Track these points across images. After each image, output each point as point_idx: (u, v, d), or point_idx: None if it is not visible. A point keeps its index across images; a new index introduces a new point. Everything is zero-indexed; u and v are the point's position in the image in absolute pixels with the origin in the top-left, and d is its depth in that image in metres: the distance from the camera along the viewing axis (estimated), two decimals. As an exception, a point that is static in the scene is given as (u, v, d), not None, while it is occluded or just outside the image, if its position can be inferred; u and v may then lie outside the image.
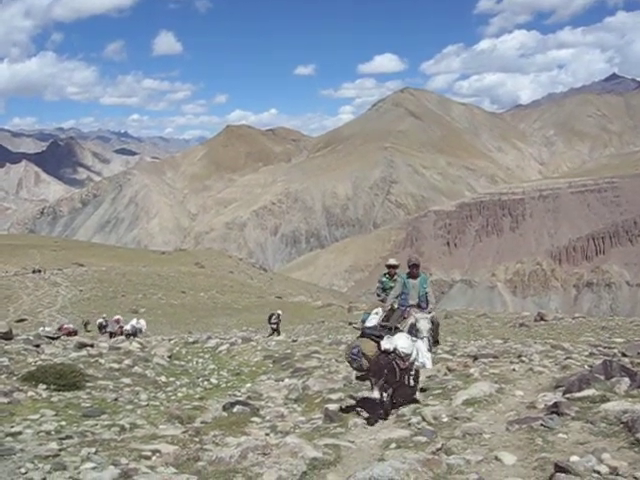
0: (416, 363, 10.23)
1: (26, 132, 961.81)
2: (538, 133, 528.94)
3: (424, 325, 10.66)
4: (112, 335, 32.36)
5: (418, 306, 11.50)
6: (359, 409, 10.29)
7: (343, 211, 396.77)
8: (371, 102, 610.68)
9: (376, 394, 9.56)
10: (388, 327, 10.67)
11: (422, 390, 11.01)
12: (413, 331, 10.83)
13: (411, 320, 10.89)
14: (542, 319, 30.69)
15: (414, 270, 11.85)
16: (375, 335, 10.23)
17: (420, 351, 10.26)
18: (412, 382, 10.77)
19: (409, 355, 9.98)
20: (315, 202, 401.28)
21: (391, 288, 12.87)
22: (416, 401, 10.42)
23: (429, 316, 10.98)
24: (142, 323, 34.17)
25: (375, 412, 9.77)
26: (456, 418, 8.73)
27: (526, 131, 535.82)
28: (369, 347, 9.98)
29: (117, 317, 37.05)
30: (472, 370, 12.76)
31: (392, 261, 14.04)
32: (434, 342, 11.85)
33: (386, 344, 9.85)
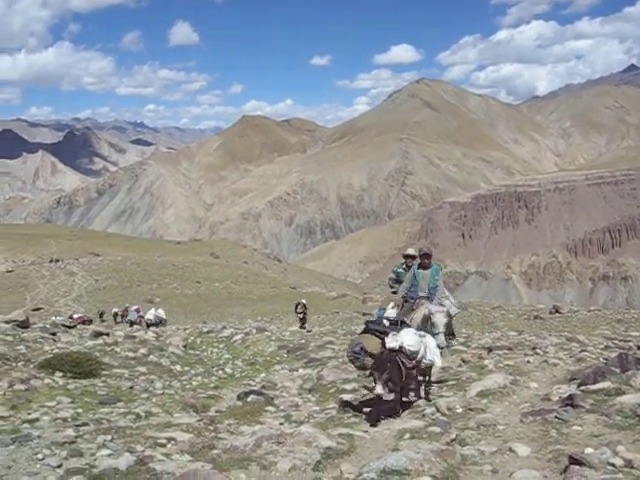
0: (424, 361, 9.57)
1: (43, 122, 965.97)
2: (555, 125, 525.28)
3: (440, 319, 10.18)
4: (132, 324, 32.51)
5: (428, 298, 11.11)
6: (367, 407, 9.68)
7: (358, 202, 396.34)
8: (387, 93, 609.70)
9: (379, 389, 8.72)
10: (394, 321, 10.24)
11: (437, 382, 10.98)
12: (427, 325, 10.39)
13: (424, 311, 10.49)
14: (557, 312, 30.61)
15: (425, 260, 11.44)
16: (379, 331, 9.59)
17: (428, 348, 9.67)
18: (420, 379, 10.23)
19: (416, 353, 9.36)
20: (330, 193, 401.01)
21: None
22: (428, 399, 9.84)
23: (445, 309, 10.52)
24: (161, 313, 34.35)
25: (383, 409, 9.18)
26: (470, 409, 8.73)
27: (543, 123, 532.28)
28: (373, 344, 9.31)
29: (137, 306, 37.25)
30: (486, 362, 12.74)
31: (410, 251, 13.37)
32: (450, 335, 11.45)
33: (391, 342, 9.15)
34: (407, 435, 7.83)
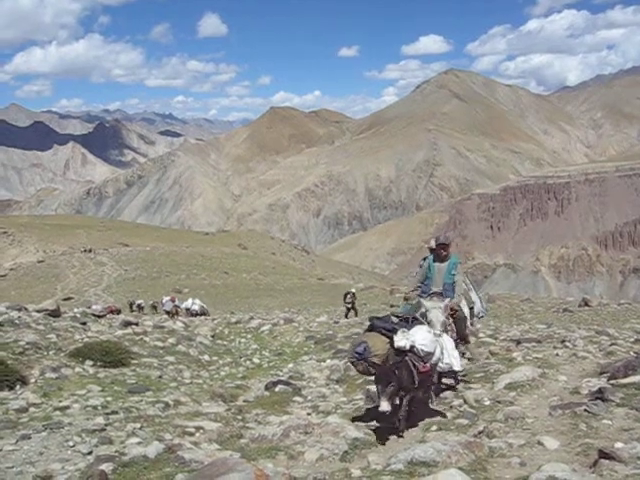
0: (440, 365, 8.32)
1: (73, 114, 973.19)
2: (585, 115, 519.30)
3: (436, 316, 8.90)
4: (168, 314, 32.68)
5: (441, 295, 9.80)
6: (369, 421, 8.42)
7: (386, 193, 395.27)
8: (415, 84, 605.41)
9: (384, 406, 7.48)
10: (404, 318, 8.72)
11: (463, 376, 10.90)
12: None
13: (421, 310, 9.23)
14: (586, 305, 30.24)
15: (441, 251, 10.36)
16: (387, 329, 8.01)
17: (445, 349, 8.44)
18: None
19: (431, 354, 8.06)
20: (358, 184, 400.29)
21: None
22: (443, 415, 8.54)
23: (442, 305, 9.19)
24: (198, 303, 34.59)
25: (387, 424, 7.94)
26: (498, 402, 8.69)
27: (573, 113, 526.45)
28: (379, 344, 7.79)
29: (172, 296, 37.47)
30: (515, 354, 12.67)
31: (443, 239, 11.68)
32: (460, 340, 10.42)
33: (400, 340, 7.79)
34: (434, 427, 7.83)
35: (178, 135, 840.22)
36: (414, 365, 7.85)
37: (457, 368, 8.71)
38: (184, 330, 18.00)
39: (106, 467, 5.97)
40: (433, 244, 11.59)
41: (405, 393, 7.87)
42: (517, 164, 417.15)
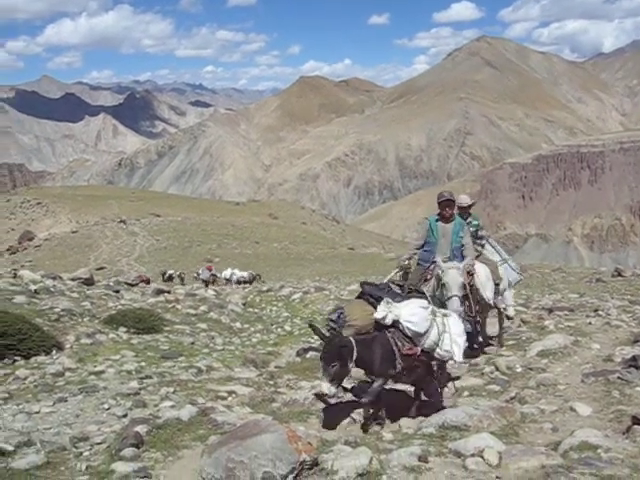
0: (438, 351, 6.92)
1: (104, 85, 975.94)
2: (621, 83, 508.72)
3: (454, 278, 7.79)
4: (206, 283, 32.94)
5: (456, 257, 8.88)
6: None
7: (417, 163, 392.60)
8: (446, 52, 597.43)
9: (324, 387, 6.14)
10: (401, 286, 7.76)
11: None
12: (439, 290, 8.22)
13: (437, 271, 8.25)
14: (620, 275, 29.94)
15: (447, 210, 8.90)
16: (375, 297, 7.04)
17: (448, 333, 6.96)
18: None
19: (419, 335, 6.73)
20: (388, 154, 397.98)
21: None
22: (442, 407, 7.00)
23: (461, 265, 8.15)
24: (237, 273, 34.86)
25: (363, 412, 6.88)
26: (530, 369, 8.71)
27: (608, 81, 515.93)
28: (358, 313, 6.89)
29: (209, 265, 37.74)
30: (547, 322, 12.66)
31: (463, 199, 10.43)
32: (470, 316, 8.83)
33: (381, 311, 6.70)
34: (466, 393, 7.87)
35: (208, 105, 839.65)
36: (396, 344, 6.66)
37: (457, 358, 7.09)
38: (216, 298, 18.17)
39: (141, 429, 6.07)
40: (464, 200, 10.42)
41: (378, 378, 6.62)
42: (550, 133, 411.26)
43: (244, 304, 17.97)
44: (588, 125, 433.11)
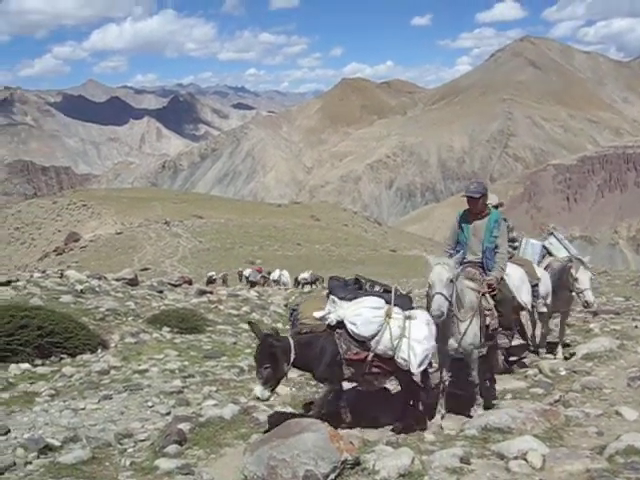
0: (396, 359, 6.36)
1: (148, 89, 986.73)
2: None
3: (439, 274, 6.52)
4: (254, 285, 33.04)
5: (482, 266, 7.50)
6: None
7: (459, 164, 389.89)
8: (489, 52, 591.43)
9: (257, 390, 5.82)
10: (375, 282, 7.15)
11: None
12: (455, 307, 6.78)
13: (459, 286, 6.85)
14: (667, 277, 29.37)
15: (475, 205, 7.46)
16: (332, 292, 6.61)
17: (407, 338, 6.34)
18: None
19: (365, 339, 6.22)
20: (430, 155, 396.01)
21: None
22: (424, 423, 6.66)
23: (452, 261, 6.73)
24: (285, 274, 34.93)
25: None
26: (575, 372, 8.61)
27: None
28: (310, 309, 6.44)
29: (258, 267, 37.84)
30: (592, 325, 12.50)
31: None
32: (505, 330, 7.43)
33: (325, 310, 6.26)
34: (509, 395, 7.80)
35: (250, 108, 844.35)
36: (341, 348, 6.14)
37: (414, 370, 6.35)
38: (258, 299, 18.25)
39: (184, 427, 6.14)
40: (491, 200, 8.55)
41: (325, 384, 6.20)
42: (595, 134, 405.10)
43: (286, 305, 18.02)
44: (634, 126, 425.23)
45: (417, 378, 6.62)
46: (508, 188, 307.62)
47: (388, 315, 6.32)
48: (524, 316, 10.21)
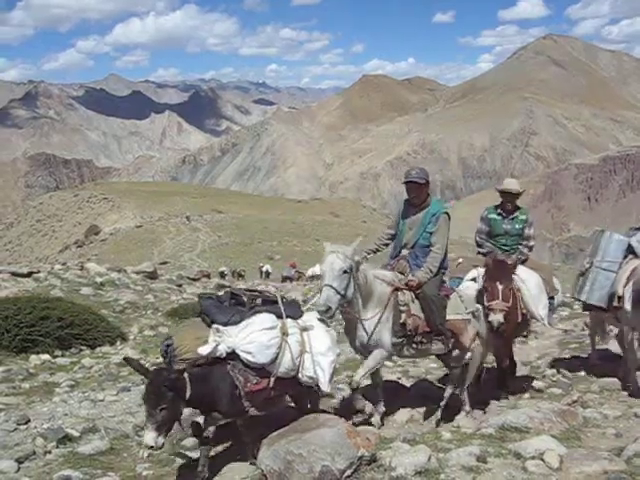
0: (302, 379, 5.76)
1: (169, 83, 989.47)
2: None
3: (330, 264, 5.88)
4: (288, 280, 33.05)
5: (416, 260, 6.71)
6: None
7: (480, 162, 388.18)
8: (512, 50, 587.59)
9: (148, 438, 4.75)
10: (254, 291, 6.27)
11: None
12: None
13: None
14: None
15: (419, 193, 6.77)
16: (211, 318, 5.51)
17: (309, 351, 5.73)
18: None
19: (263, 365, 5.41)
20: (451, 153, 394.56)
21: (502, 234, 8.23)
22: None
23: (349, 250, 6.09)
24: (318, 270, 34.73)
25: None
26: (593, 373, 8.55)
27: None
28: (190, 342, 5.32)
29: (292, 262, 37.86)
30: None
31: (509, 184, 8.41)
32: (405, 337, 6.40)
33: (208, 345, 5.21)
34: (526, 395, 7.76)
35: (271, 103, 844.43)
36: (239, 380, 5.29)
37: (324, 387, 5.81)
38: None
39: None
40: (510, 186, 8.51)
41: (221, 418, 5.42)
42: (618, 133, 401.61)
43: (304, 301, 18.04)
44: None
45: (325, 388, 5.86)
46: (529, 187, 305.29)
47: (284, 333, 5.57)
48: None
